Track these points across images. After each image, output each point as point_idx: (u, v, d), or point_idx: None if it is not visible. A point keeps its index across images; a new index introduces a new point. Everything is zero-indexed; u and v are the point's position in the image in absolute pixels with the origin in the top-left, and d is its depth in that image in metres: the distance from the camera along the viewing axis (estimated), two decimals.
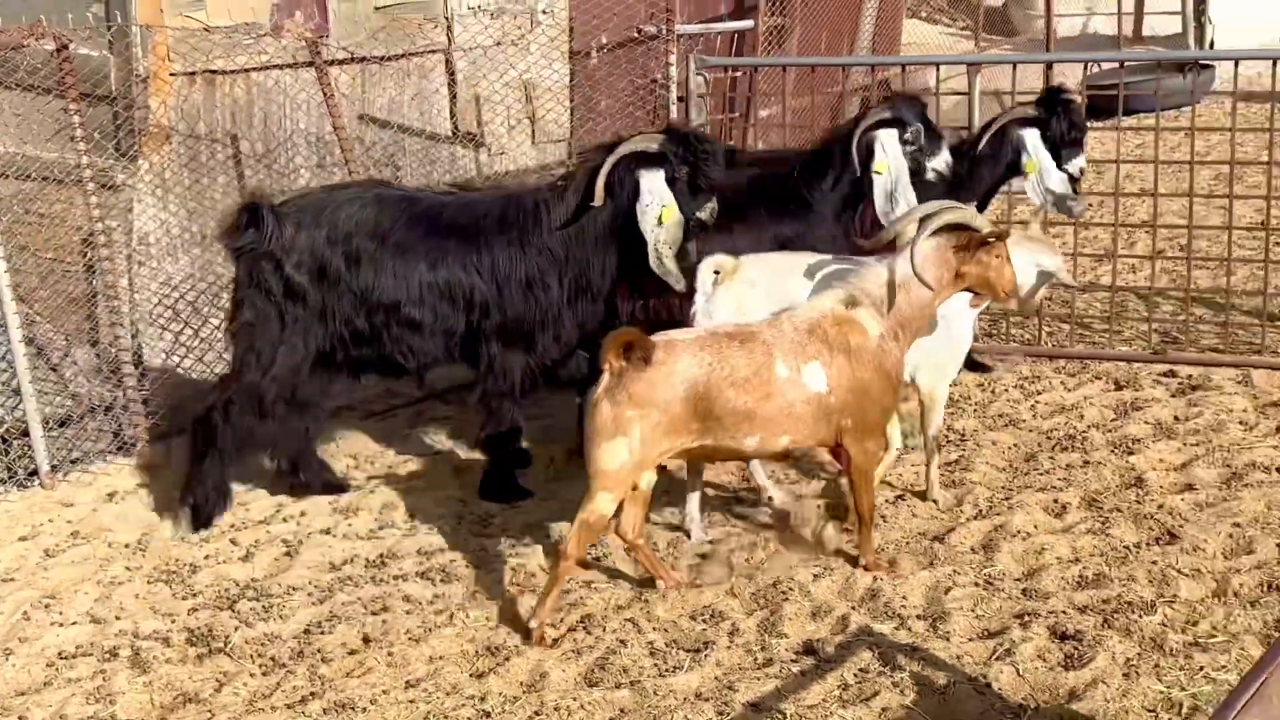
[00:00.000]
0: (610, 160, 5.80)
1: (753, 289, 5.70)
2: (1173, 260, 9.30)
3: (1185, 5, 18.97)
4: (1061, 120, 6.97)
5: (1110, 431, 6.72)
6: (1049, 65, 13.87)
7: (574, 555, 4.96)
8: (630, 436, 4.82)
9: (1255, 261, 8.88)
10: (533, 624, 5.05)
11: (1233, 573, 5.22)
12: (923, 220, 5.21)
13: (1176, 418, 6.86)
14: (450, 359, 6.18)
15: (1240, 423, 6.73)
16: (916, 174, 6.58)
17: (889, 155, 6.46)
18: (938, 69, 8.31)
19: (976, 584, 5.28)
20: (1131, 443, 6.55)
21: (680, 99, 8.30)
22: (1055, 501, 5.97)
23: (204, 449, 6.10)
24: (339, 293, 5.93)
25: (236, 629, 5.33)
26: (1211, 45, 18.93)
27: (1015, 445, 6.65)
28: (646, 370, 4.82)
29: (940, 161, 6.66)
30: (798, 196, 6.65)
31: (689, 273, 5.82)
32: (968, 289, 5.32)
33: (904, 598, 5.18)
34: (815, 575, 5.40)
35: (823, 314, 5.12)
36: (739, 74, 9.71)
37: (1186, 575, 5.22)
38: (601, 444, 4.84)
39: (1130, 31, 20.34)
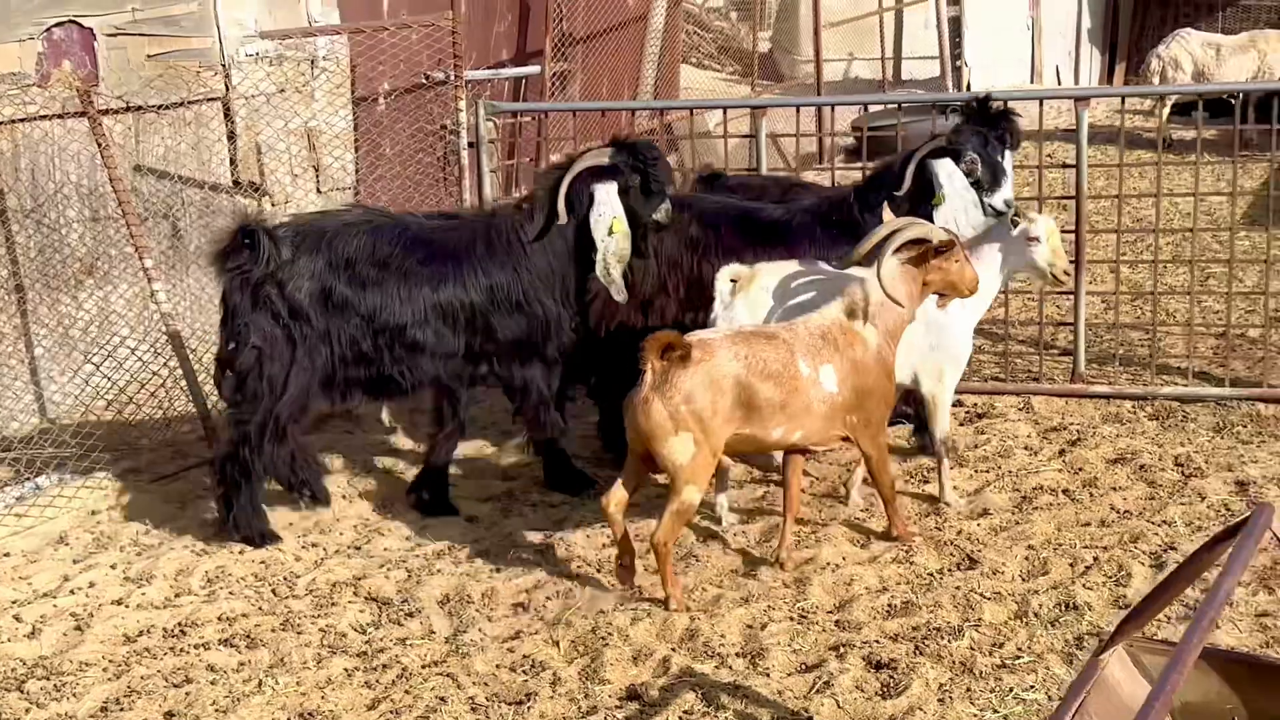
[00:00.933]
0: (568, 177, 6.18)
1: (768, 296, 6.03)
2: None
3: (942, 49, 19.81)
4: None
5: (906, 460, 6.90)
6: (832, 107, 14.51)
7: (665, 541, 5.36)
8: (694, 430, 5.22)
9: (1027, 293, 9.31)
10: (672, 604, 5.43)
11: (1031, 594, 5.40)
12: (883, 241, 5.62)
13: (966, 445, 7.09)
14: (445, 378, 6.35)
15: (1025, 448, 7.01)
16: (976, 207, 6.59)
17: (949, 185, 6.52)
18: (725, 112, 8.47)
19: (791, 618, 5.34)
20: (927, 471, 6.74)
21: (470, 144, 8.24)
22: (861, 532, 6.09)
23: (239, 481, 6.15)
24: (344, 314, 6.04)
25: (28, 711, 5.01)
26: (968, 86, 19.83)
27: (820, 479, 6.76)
28: (690, 367, 5.19)
29: (999, 198, 6.63)
30: (850, 220, 6.62)
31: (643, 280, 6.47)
32: (935, 292, 5.81)
33: (722, 636, 5.21)
34: (634, 619, 5.38)
35: (832, 322, 5.59)
36: (527, 119, 9.71)
37: (989, 599, 5.39)
38: (667, 441, 5.23)
39: (890, 75, 21.19)
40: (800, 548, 5.94)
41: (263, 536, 6.24)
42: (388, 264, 6.07)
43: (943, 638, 5.10)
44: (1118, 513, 6.17)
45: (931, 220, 6.31)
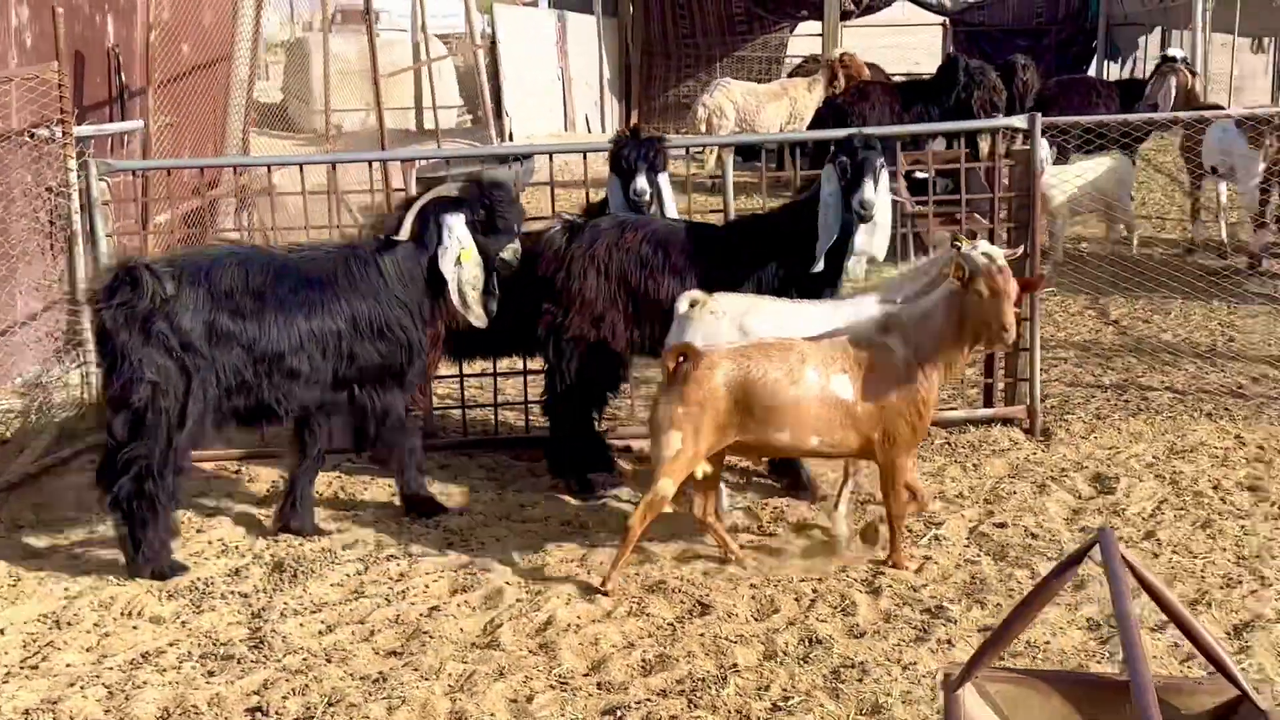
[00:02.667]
0: (416, 206, 6.44)
1: (718, 320, 6.24)
2: None
3: (483, 99, 20.06)
4: None
5: (602, 511, 6.87)
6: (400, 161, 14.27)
7: (637, 528, 5.87)
8: (684, 430, 5.70)
9: None
10: (608, 585, 5.88)
11: (773, 633, 5.50)
12: (935, 259, 5.89)
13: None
14: (320, 406, 6.45)
15: None
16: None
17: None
18: (333, 168, 8.11)
19: (553, 686, 5.16)
20: (621, 521, 6.72)
21: (82, 207, 7.47)
22: (585, 589, 5.99)
23: (146, 517, 6.09)
24: (227, 345, 6.07)
25: None
26: (510, 136, 20.20)
27: (520, 536, 6.60)
28: (693, 375, 5.68)
29: (855, 199, 6.57)
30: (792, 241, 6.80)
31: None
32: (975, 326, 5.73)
33: (491, 715, 4.96)
34: (390, 707, 5.01)
35: (859, 334, 5.82)
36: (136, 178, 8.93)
37: (735, 642, 5.43)
38: (660, 437, 5.76)
39: (415, 126, 21.23)
40: (533, 611, 5.77)
41: (172, 569, 6.20)
42: (262, 294, 6.16)
43: (709, 688, 5.08)
44: (820, 541, 6.41)
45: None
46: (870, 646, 5.36)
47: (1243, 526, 6.41)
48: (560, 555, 6.35)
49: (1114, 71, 24.90)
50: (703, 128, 15.79)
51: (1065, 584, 3.69)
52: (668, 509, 6.07)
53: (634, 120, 25.38)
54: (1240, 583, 5.84)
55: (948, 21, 26.26)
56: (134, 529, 6.11)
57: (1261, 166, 10.93)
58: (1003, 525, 6.53)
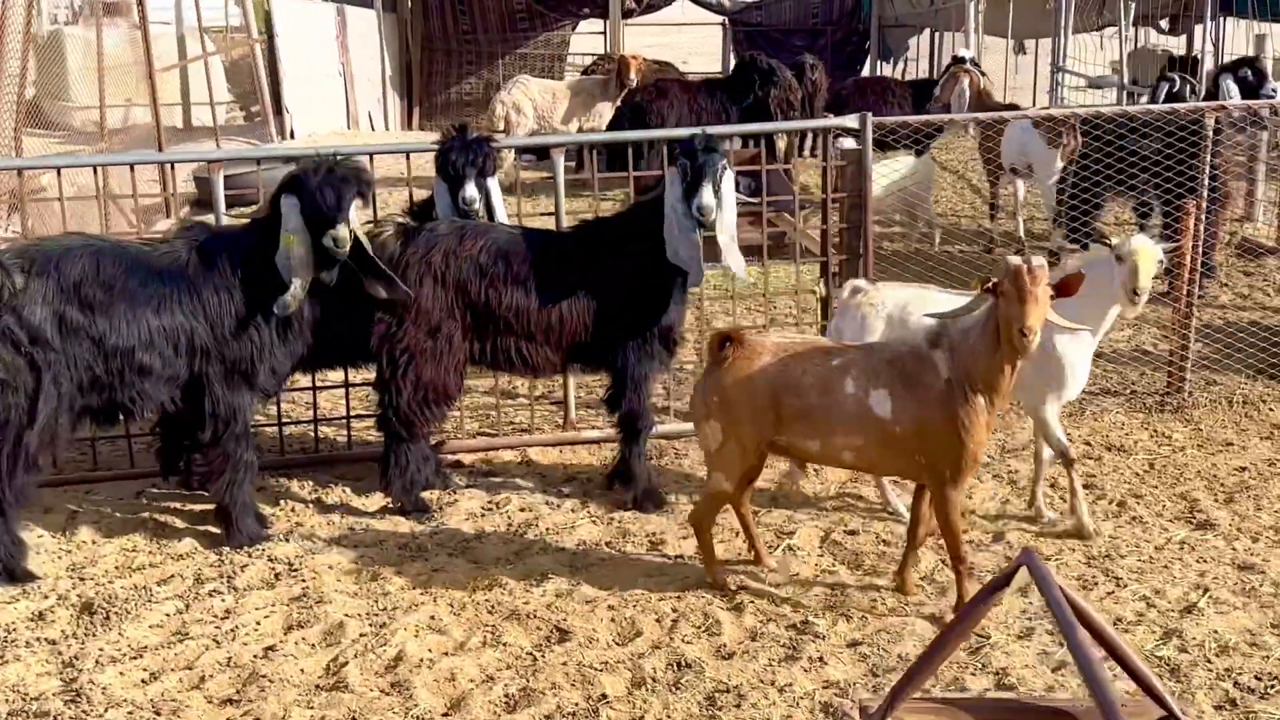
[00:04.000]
0: (278, 187, 6.17)
1: (876, 313, 6.20)
2: None
3: (262, 96, 19.28)
4: None
5: (440, 532, 6.49)
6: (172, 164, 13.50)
7: (702, 525, 5.75)
8: (721, 421, 5.46)
9: None
10: (714, 581, 5.77)
11: (638, 658, 5.24)
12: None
13: (485, 508, 6.80)
14: (174, 404, 6.21)
15: (545, 504, 6.83)
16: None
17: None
18: (59, 172, 7.44)
19: None
20: (461, 541, 6.38)
21: None
22: (433, 619, 5.62)
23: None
24: (78, 340, 5.84)
25: None
26: (292, 133, 19.46)
27: (354, 563, 6.17)
28: (730, 364, 5.43)
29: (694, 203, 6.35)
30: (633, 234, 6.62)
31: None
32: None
33: None
34: None
35: (908, 348, 5.37)
36: None
37: (600, 670, 5.16)
38: (700, 426, 5.61)
39: (181, 122, 20.24)
40: (380, 646, 5.37)
41: (21, 566, 5.97)
42: (112, 287, 5.92)
43: None
44: (669, 559, 6.18)
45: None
46: (742, 668, 5.15)
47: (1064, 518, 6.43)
48: (401, 582, 5.96)
49: (886, 71, 25.47)
50: (500, 125, 15.42)
51: (991, 608, 3.53)
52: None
53: (416, 116, 24.94)
54: (1096, 584, 5.84)
55: (727, 21, 26.49)
56: None
57: (1059, 165, 11.18)
58: (854, 532, 6.42)
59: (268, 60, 19.56)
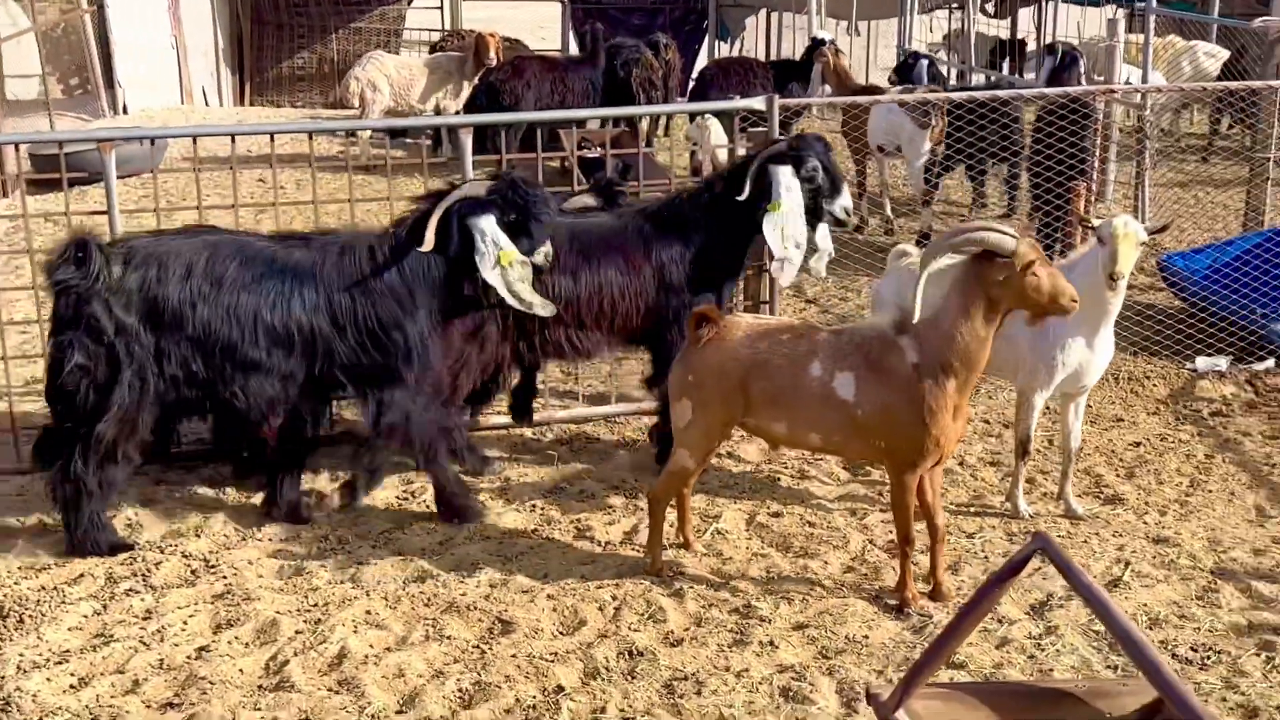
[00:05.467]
0: (440, 208, 5.96)
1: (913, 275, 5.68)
2: None
3: (93, 70, 18.48)
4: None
5: (359, 526, 6.31)
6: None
7: (660, 498, 5.69)
8: (692, 400, 5.45)
9: None
10: (651, 565, 5.75)
11: (586, 648, 5.18)
12: (939, 245, 5.17)
13: (401, 498, 6.64)
14: (288, 402, 6.04)
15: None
16: (814, 215, 6.50)
17: (784, 191, 6.32)
18: None
19: None
20: (382, 533, 6.22)
21: None
22: (369, 614, 5.45)
23: (75, 499, 5.84)
24: (174, 334, 5.75)
25: None
26: (125, 108, 18.71)
27: (274, 558, 5.96)
28: (704, 343, 5.41)
29: (839, 205, 6.55)
30: (683, 221, 6.63)
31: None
32: (1017, 309, 5.15)
33: None
34: None
35: (875, 332, 5.31)
36: None
37: (552, 661, 5.09)
38: (674, 404, 5.59)
39: None
40: (320, 644, 5.19)
41: (112, 548, 5.94)
42: (221, 282, 5.80)
43: (543, 716, 4.73)
44: (599, 546, 6.12)
45: (761, 227, 6.34)
46: (694, 655, 5.13)
47: (1002, 503, 6.57)
48: (328, 576, 5.77)
49: (724, 51, 25.64)
50: (355, 102, 15.03)
51: (1004, 594, 3.56)
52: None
53: (249, 92, 24.21)
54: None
55: None
56: (65, 512, 5.90)
57: (927, 146, 11.40)
58: (778, 515, 6.44)
59: (97, 31, 18.74)
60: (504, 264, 5.92)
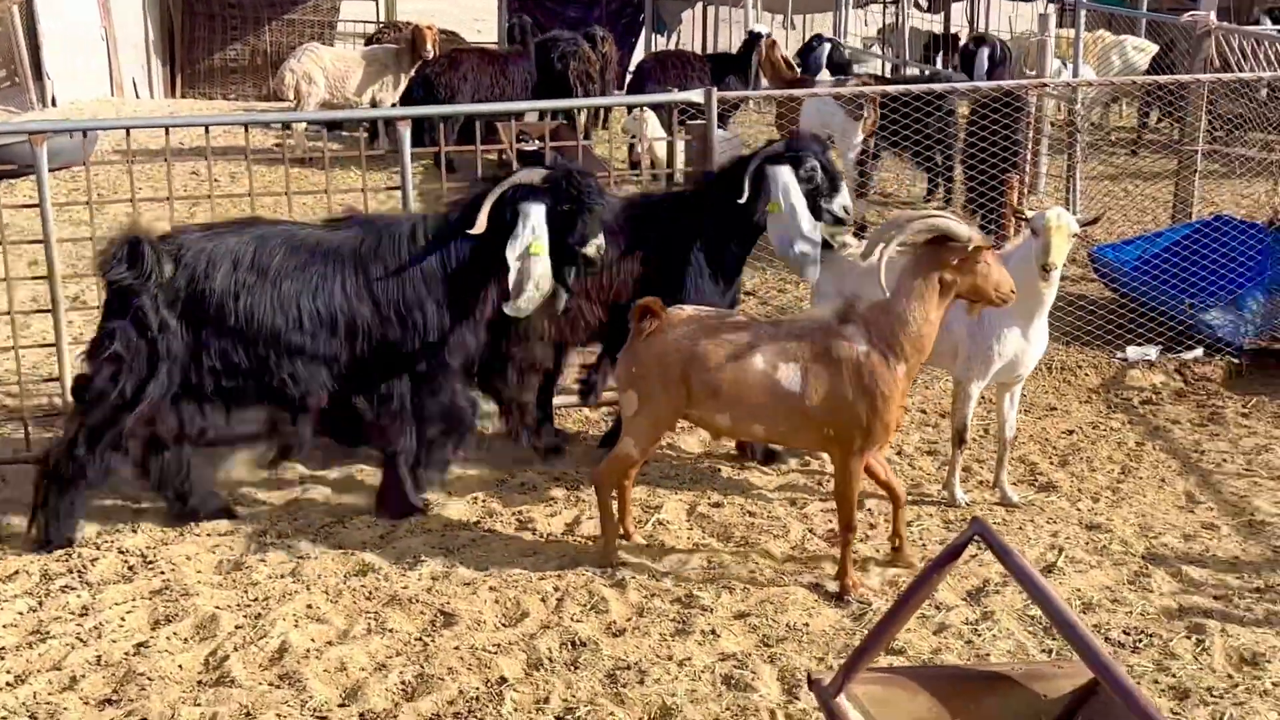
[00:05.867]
0: (495, 192, 5.93)
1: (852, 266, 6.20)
2: None
3: (20, 61, 18.22)
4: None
5: (298, 520, 6.28)
6: None
7: (603, 483, 5.70)
8: (638, 391, 5.49)
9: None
10: (606, 547, 5.78)
11: (530, 639, 5.19)
12: (895, 230, 5.24)
13: (342, 491, 6.61)
14: (334, 387, 6.05)
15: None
16: (813, 214, 6.48)
17: (783, 193, 6.33)
18: None
19: None
20: (322, 527, 6.20)
21: None
22: (310, 608, 5.43)
23: (64, 482, 5.87)
24: (219, 325, 5.79)
25: None
26: (54, 100, 18.46)
27: (211, 552, 5.91)
28: (647, 336, 5.46)
29: (838, 204, 6.57)
30: (681, 221, 6.63)
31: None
32: (963, 298, 5.33)
33: None
34: None
35: (818, 323, 5.39)
36: None
37: (495, 653, 5.09)
38: (621, 394, 5.65)
39: None
40: (261, 638, 5.16)
41: (63, 543, 5.91)
42: (267, 271, 5.84)
43: (486, 706, 4.74)
44: (540, 537, 6.13)
45: (764, 227, 6.37)
46: (636, 644, 5.16)
47: (939, 491, 6.65)
48: (268, 571, 5.75)
49: (660, 44, 25.67)
50: (290, 94, 14.91)
51: (942, 580, 3.62)
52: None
53: (179, 84, 23.93)
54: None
55: None
56: (45, 491, 5.89)
57: (860, 138, 11.50)
58: (719, 505, 6.48)
59: (25, 22, 18.46)
60: (531, 253, 5.88)
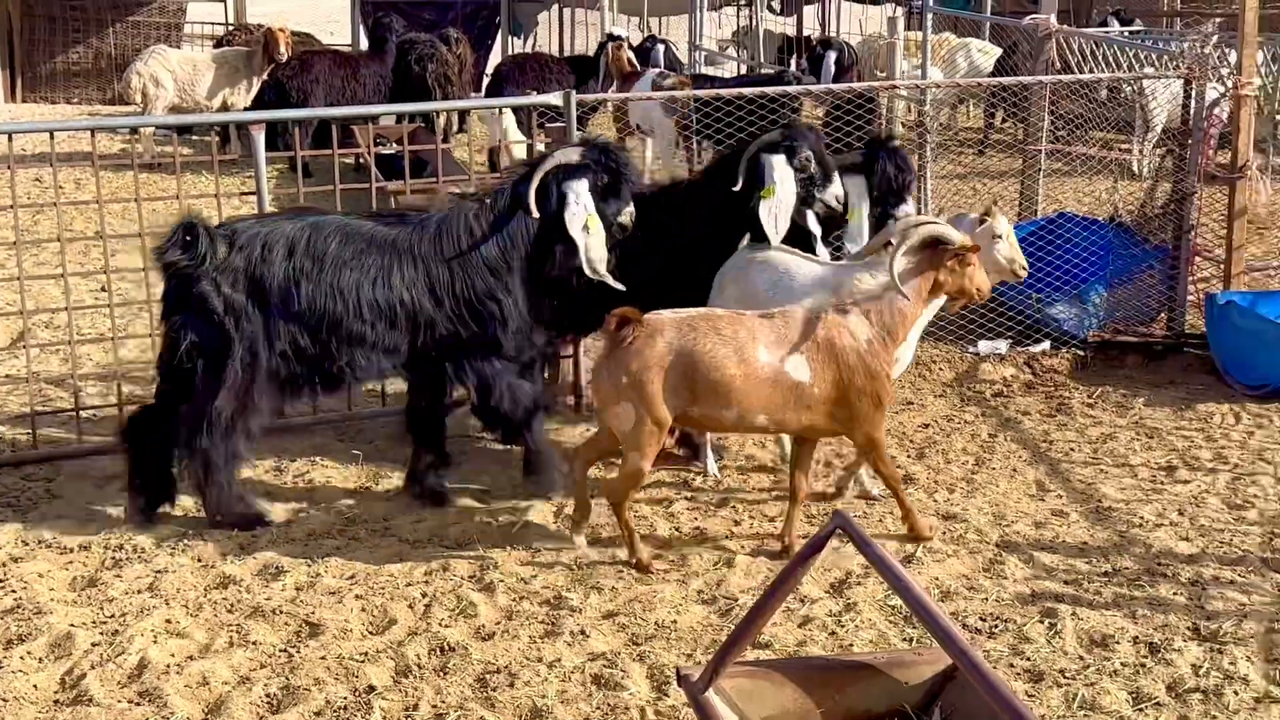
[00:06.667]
0: (539, 173, 6.18)
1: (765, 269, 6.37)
2: None
3: None
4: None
5: (156, 534, 6.15)
6: None
7: (619, 500, 5.75)
8: (635, 401, 5.53)
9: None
10: (636, 558, 5.80)
11: (398, 646, 5.16)
12: (901, 235, 5.76)
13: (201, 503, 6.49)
14: (394, 372, 6.43)
15: (265, 494, 6.57)
16: (806, 203, 6.64)
17: (778, 179, 6.44)
18: None
19: None
20: (181, 540, 6.08)
21: None
22: (169, 622, 5.32)
23: (205, 473, 6.06)
24: (281, 311, 5.96)
25: None
26: None
27: (64, 569, 5.76)
28: (636, 344, 5.51)
29: (830, 194, 6.70)
30: (683, 211, 6.82)
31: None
32: (948, 295, 5.98)
33: None
34: None
35: (816, 314, 5.71)
36: None
37: (364, 661, 5.05)
38: (610, 409, 5.64)
39: None
40: (119, 655, 5.04)
41: (251, 519, 6.21)
42: (323, 258, 6.01)
43: (354, 718, 4.69)
44: (406, 543, 6.09)
45: (757, 214, 6.46)
46: (506, 648, 5.16)
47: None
48: (125, 587, 5.62)
49: (517, 47, 25.63)
50: (137, 98, 14.57)
51: (807, 572, 3.69)
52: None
53: (19, 87, 23.21)
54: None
55: None
56: (200, 487, 6.14)
57: (673, 131, 12.12)
58: None
59: None
60: (589, 229, 6.18)
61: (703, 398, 5.59)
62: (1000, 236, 6.72)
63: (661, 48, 15.65)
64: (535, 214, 6.19)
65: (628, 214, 6.38)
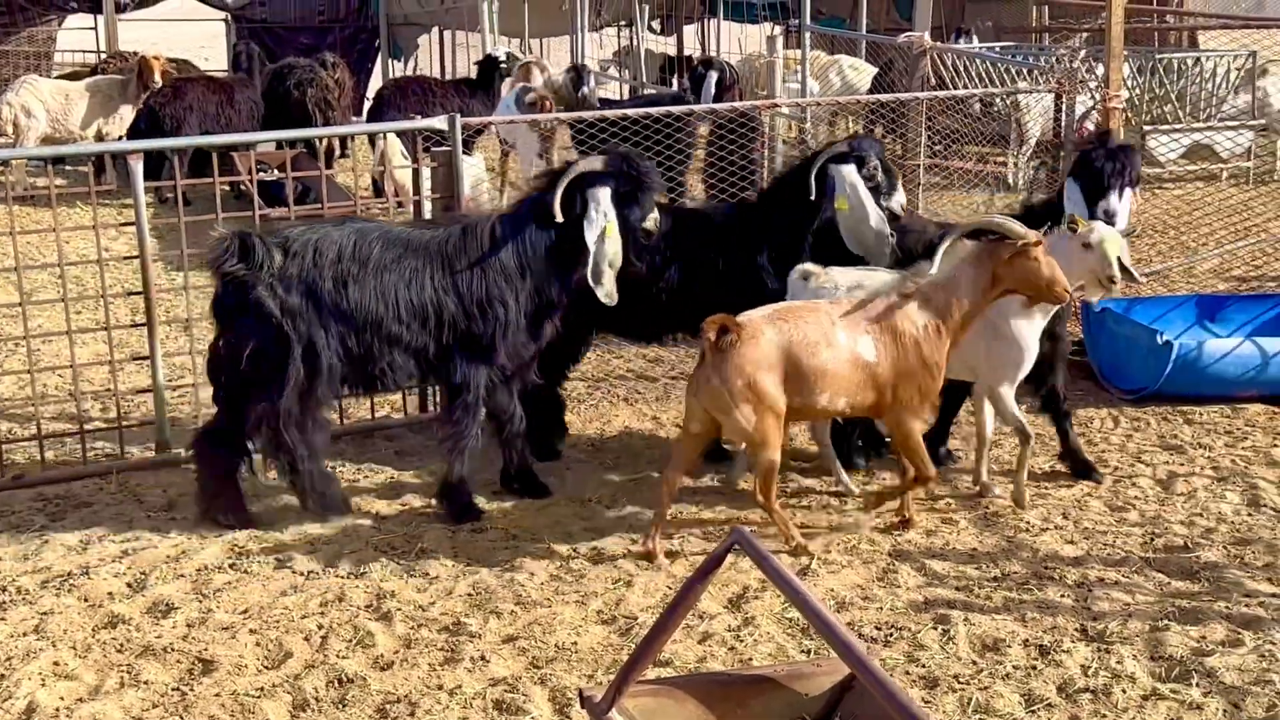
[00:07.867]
0: (564, 181, 6.32)
1: (831, 293, 6.33)
2: None
3: None
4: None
5: (38, 572, 6.00)
6: None
7: (767, 496, 5.99)
8: (752, 401, 5.73)
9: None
10: (796, 544, 6.12)
11: (295, 680, 5.10)
12: (948, 232, 6.03)
13: (84, 542, 6.35)
14: (424, 376, 6.68)
15: (152, 530, 6.46)
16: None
17: (849, 189, 6.67)
18: None
19: None
20: (65, 579, 5.94)
21: None
22: (57, 665, 5.19)
23: (295, 466, 6.37)
24: (333, 313, 6.20)
25: None
26: None
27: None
28: (741, 346, 5.70)
29: (895, 201, 6.91)
30: (761, 223, 7.05)
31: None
32: (1012, 291, 6.04)
33: None
34: None
35: (881, 295, 6.00)
36: None
37: (259, 697, 4.98)
38: (730, 415, 5.79)
39: None
40: (4, 700, 4.91)
41: (343, 506, 6.60)
42: (367, 263, 6.25)
43: None
44: (301, 575, 6.01)
45: (826, 226, 6.79)
46: (405, 677, 5.11)
47: (698, 502, 6.81)
48: (8, 630, 5.48)
49: (398, 70, 25.50)
50: (8, 129, 14.23)
51: (706, 588, 3.71)
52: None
53: None
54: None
55: (229, 17, 25.58)
56: (294, 483, 6.48)
57: (537, 146, 12.23)
58: (481, 531, 6.49)
59: None
60: (606, 237, 6.33)
61: (803, 387, 5.84)
62: (1091, 246, 6.38)
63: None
64: (559, 218, 6.33)
65: (652, 220, 6.55)
